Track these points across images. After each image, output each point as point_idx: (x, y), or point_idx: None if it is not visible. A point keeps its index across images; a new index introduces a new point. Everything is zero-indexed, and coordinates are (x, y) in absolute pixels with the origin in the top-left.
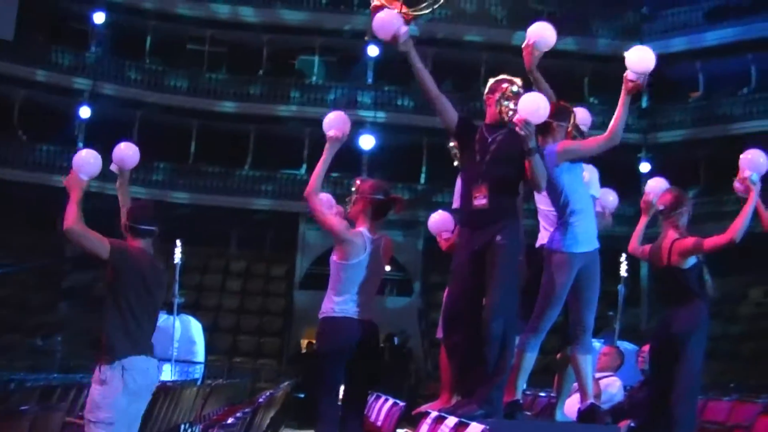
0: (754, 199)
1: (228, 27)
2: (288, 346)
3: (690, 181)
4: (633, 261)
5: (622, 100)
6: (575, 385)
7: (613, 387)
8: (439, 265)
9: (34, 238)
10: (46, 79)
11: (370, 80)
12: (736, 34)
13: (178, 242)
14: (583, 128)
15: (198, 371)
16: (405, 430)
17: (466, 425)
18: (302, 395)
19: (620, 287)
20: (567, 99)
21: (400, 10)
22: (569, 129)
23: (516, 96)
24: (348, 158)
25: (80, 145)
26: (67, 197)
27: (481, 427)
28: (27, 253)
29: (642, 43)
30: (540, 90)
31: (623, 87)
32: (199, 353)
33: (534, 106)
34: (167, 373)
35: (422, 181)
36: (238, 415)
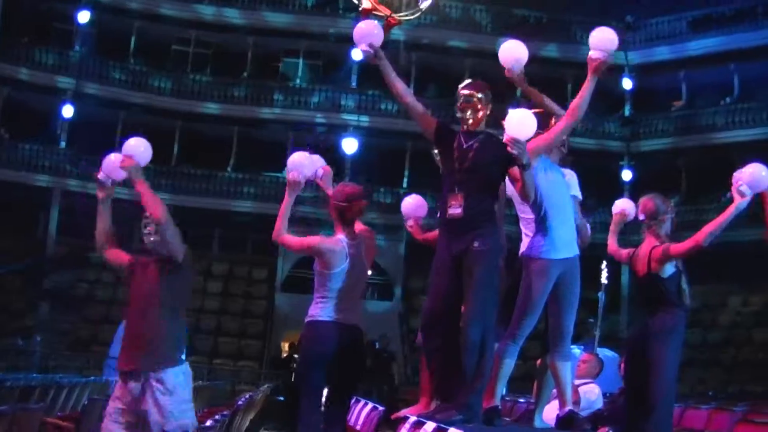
0: (733, 211)
1: (213, 29)
2: (269, 349)
3: (671, 189)
4: (614, 268)
5: (588, 79)
6: (555, 391)
7: (592, 394)
8: (420, 269)
9: (16, 238)
10: (29, 78)
11: (353, 84)
12: (719, 44)
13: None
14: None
15: None
16: None
17: (445, 430)
18: (282, 398)
19: (600, 294)
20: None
21: (389, 15)
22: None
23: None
24: (331, 162)
25: (63, 144)
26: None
27: None
28: (8, 253)
29: (626, 51)
30: (539, 103)
31: (589, 68)
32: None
33: (520, 123)
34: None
35: (405, 185)
36: (217, 417)
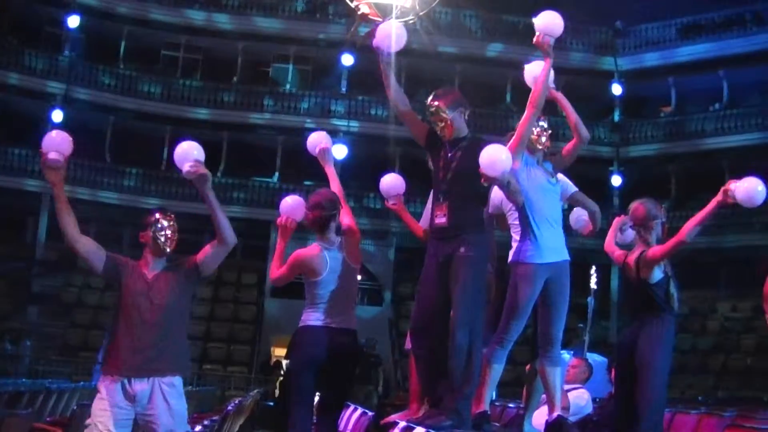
0: (714, 208)
1: (203, 34)
2: (258, 354)
3: (661, 195)
4: (603, 273)
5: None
6: (544, 396)
7: (581, 399)
8: (410, 275)
9: (5, 243)
10: (18, 83)
11: (344, 89)
12: (708, 51)
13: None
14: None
15: None
16: None
17: None
18: (272, 403)
19: (590, 299)
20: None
21: (383, 20)
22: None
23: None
24: (321, 168)
25: None
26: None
27: None
28: None
29: (616, 57)
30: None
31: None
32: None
33: (491, 159)
34: None
35: None
36: (206, 422)
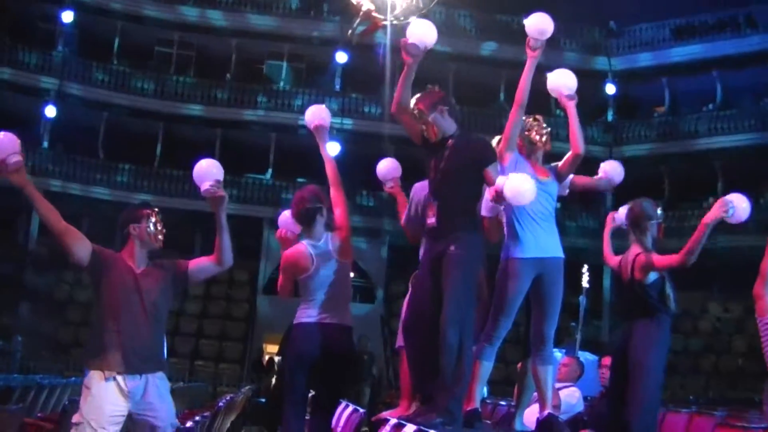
0: (710, 226)
1: (196, 30)
2: (250, 351)
3: (654, 195)
4: (595, 273)
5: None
6: (535, 394)
7: (572, 397)
8: (402, 272)
9: None
10: (12, 78)
11: (337, 87)
12: (702, 51)
13: None
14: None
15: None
16: None
17: None
18: (263, 400)
19: (581, 298)
20: (534, 112)
21: (384, 18)
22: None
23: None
24: (314, 165)
25: (45, 144)
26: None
27: None
28: None
29: (610, 58)
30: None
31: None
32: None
33: (515, 192)
34: None
35: None
36: (197, 419)
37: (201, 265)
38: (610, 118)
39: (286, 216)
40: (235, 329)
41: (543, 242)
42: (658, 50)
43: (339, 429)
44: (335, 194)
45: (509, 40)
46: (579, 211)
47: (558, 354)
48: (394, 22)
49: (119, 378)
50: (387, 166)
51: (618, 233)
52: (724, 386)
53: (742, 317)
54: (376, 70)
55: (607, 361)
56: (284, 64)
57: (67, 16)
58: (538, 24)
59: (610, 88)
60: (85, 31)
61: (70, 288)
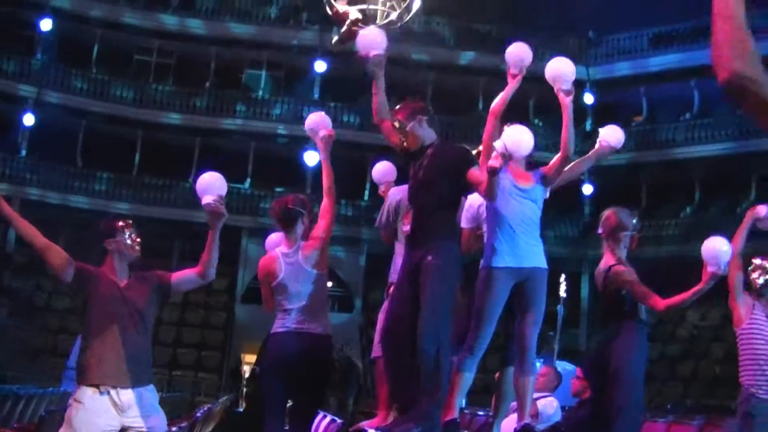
0: (699, 291)
1: (176, 38)
2: (228, 360)
3: (631, 203)
4: (573, 281)
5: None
6: (513, 404)
7: (550, 407)
8: (381, 281)
9: None
10: None
11: (316, 96)
12: (679, 61)
13: None
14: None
15: None
16: None
17: None
18: (241, 410)
19: (559, 308)
20: (512, 119)
21: (359, 21)
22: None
23: None
24: (293, 174)
25: (23, 153)
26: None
27: None
28: None
29: (588, 67)
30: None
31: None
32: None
33: (516, 142)
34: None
35: (366, 197)
36: (174, 429)
37: (184, 277)
38: (588, 127)
39: (272, 240)
40: (213, 338)
41: (523, 251)
42: (636, 59)
43: None
44: (327, 204)
45: (487, 50)
46: (557, 219)
47: (536, 363)
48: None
49: (113, 392)
50: (382, 169)
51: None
52: (701, 393)
53: (720, 324)
54: (355, 78)
55: (580, 372)
56: (263, 72)
57: (46, 24)
58: (518, 53)
59: (588, 98)
60: (64, 39)
61: (47, 296)
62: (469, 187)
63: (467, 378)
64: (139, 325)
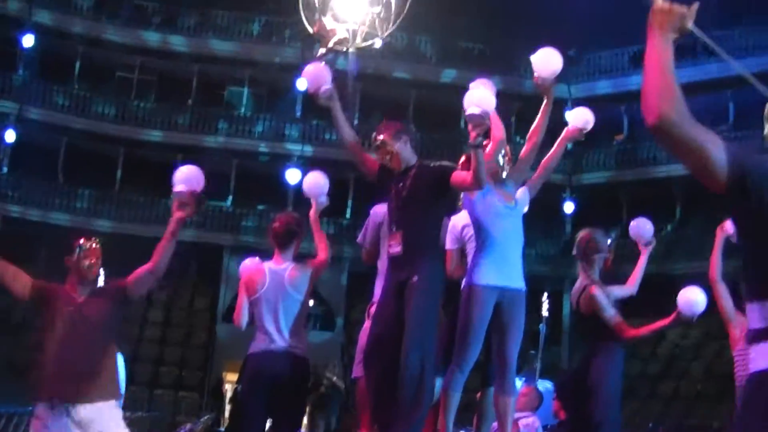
0: (665, 325)
1: (158, 55)
2: (210, 379)
3: (612, 221)
4: (555, 299)
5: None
6: (495, 424)
7: (531, 428)
8: (362, 300)
9: None
10: None
11: (298, 113)
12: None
13: (102, 271)
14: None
15: (118, 403)
16: None
17: None
18: (223, 430)
19: (541, 326)
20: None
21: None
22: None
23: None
24: (274, 192)
25: (4, 169)
26: None
27: None
28: None
29: (569, 85)
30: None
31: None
32: (120, 384)
33: (480, 99)
34: None
35: (347, 215)
36: None
37: (138, 277)
38: (569, 145)
39: (247, 265)
40: (194, 357)
41: (507, 271)
42: (616, 78)
43: None
44: (323, 247)
45: (470, 67)
46: (538, 238)
47: (518, 382)
48: (356, 48)
49: (71, 408)
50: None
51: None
52: (682, 411)
53: (701, 343)
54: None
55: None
56: (245, 89)
57: (28, 40)
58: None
59: (570, 116)
60: (45, 55)
61: (25, 312)
62: (454, 204)
63: (456, 398)
64: (98, 341)
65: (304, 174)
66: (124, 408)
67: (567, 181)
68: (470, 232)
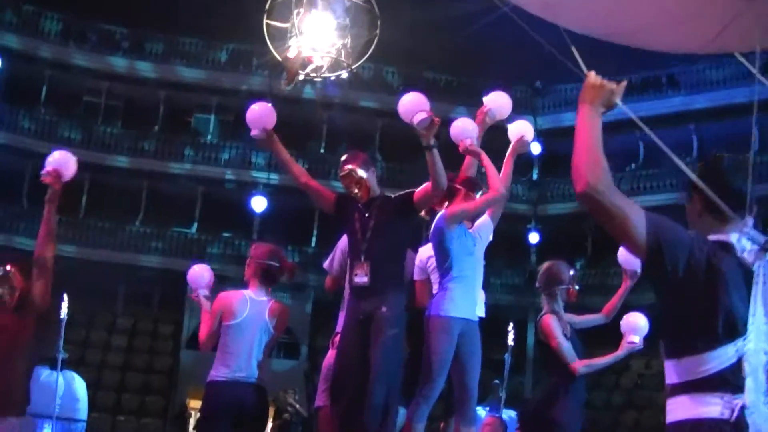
0: (614, 358)
1: (125, 81)
2: (173, 406)
3: (577, 252)
4: (519, 329)
5: (509, 159)
6: None
7: None
8: (326, 328)
9: None
10: None
11: None
12: (625, 112)
13: (65, 297)
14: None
15: (80, 429)
16: None
17: None
18: None
19: (506, 356)
20: (459, 167)
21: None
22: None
23: None
24: (240, 219)
25: None
26: None
27: None
28: None
29: (535, 116)
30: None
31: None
32: (82, 410)
33: (412, 104)
34: (48, 431)
35: (313, 243)
36: None
37: (39, 286)
38: (534, 176)
39: (195, 272)
40: (157, 383)
41: (472, 303)
42: None
43: None
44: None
45: (435, 97)
46: (503, 267)
47: (482, 411)
48: (321, 77)
49: None
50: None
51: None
52: None
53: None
54: (303, 125)
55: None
56: (212, 116)
57: None
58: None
59: (535, 147)
60: (12, 78)
61: None
62: (419, 235)
63: (421, 428)
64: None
65: (269, 202)
66: None
67: (532, 211)
68: (434, 263)
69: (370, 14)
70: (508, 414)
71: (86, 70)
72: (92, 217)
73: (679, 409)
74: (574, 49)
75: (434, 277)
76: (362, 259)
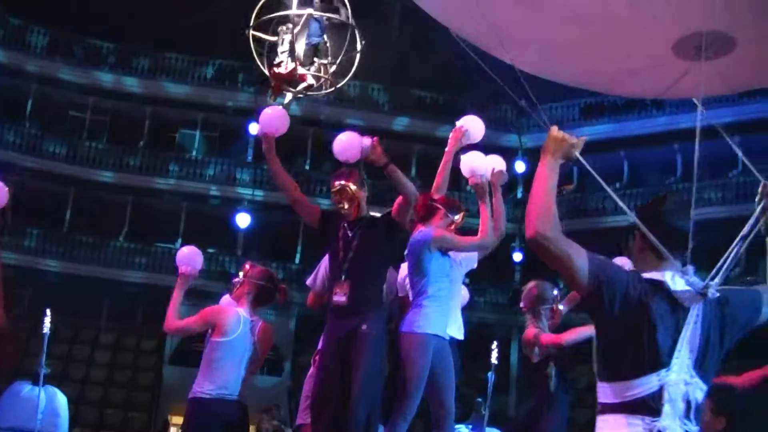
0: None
1: (111, 96)
2: (155, 422)
3: None
4: (503, 348)
5: (495, 196)
6: None
7: None
8: (310, 345)
9: None
10: None
11: (249, 158)
12: (609, 131)
13: (48, 311)
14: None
15: None
16: None
17: None
18: None
19: (490, 374)
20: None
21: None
22: (454, 224)
23: None
24: (224, 235)
25: None
26: None
27: None
28: None
29: (520, 135)
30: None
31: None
32: (63, 426)
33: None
34: None
35: (297, 260)
36: None
37: None
38: (519, 194)
39: (184, 252)
40: (140, 399)
41: (444, 321)
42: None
43: None
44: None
45: (422, 115)
46: (487, 286)
47: (465, 429)
48: (304, 95)
49: None
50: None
51: None
52: None
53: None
54: (288, 141)
55: None
56: (197, 132)
57: None
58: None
59: (520, 166)
60: None
61: None
62: (401, 253)
63: None
64: None
65: (254, 218)
66: None
67: (517, 230)
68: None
69: (351, 32)
70: None
71: (72, 84)
72: (76, 232)
73: (605, 427)
74: (532, 95)
75: (411, 293)
76: (342, 278)
